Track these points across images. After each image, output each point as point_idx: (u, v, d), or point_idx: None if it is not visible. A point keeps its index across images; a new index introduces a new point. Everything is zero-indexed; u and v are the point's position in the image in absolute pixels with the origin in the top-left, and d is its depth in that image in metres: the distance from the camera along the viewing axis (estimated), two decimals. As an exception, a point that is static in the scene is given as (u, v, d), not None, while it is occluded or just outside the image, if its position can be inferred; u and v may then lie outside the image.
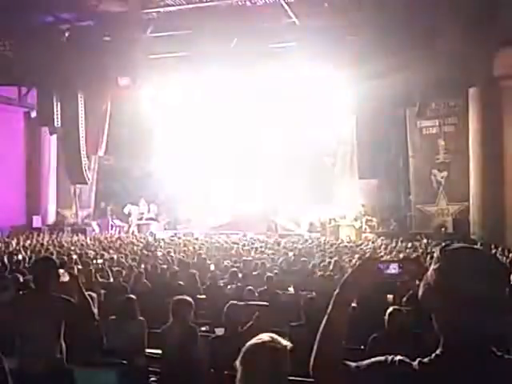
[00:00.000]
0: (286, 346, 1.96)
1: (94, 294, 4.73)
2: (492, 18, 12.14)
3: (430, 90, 14.06)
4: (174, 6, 13.98)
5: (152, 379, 4.41)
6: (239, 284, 6.38)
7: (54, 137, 18.76)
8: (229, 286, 6.38)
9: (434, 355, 1.33)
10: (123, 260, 9.23)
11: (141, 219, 18.72)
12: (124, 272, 7.55)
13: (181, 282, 6.31)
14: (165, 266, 8.05)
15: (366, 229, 16.68)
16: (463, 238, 12.74)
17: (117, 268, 7.94)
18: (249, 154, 21.63)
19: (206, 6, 13.75)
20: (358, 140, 16.06)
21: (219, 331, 4.56)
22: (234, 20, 13.96)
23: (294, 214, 19.55)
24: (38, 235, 15.11)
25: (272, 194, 20.76)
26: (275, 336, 1.99)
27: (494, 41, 12.61)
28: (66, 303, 3.46)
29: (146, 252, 10.96)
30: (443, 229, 15.11)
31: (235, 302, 4.57)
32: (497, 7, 11.95)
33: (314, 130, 20.21)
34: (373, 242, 13.77)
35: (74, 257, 9.53)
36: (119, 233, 17.76)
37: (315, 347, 1.45)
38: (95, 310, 4.57)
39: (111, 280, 7.29)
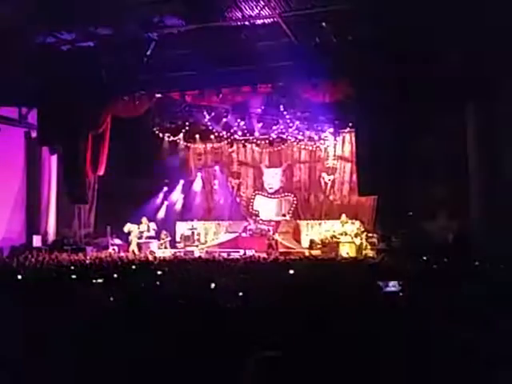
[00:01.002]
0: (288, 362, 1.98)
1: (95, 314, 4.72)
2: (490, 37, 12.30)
3: (428, 106, 14.16)
4: (173, 27, 14.18)
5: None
6: (239, 302, 6.36)
7: (55, 157, 18.88)
8: (229, 305, 6.34)
9: None
10: (123, 279, 9.18)
11: (141, 238, 18.69)
12: (124, 291, 7.51)
13: (181, 301, 6.26)
14: (165, 285, 8.01)
15: (366, 246, 16.66)
16: (464, 254, 12.71)
17: (117, 287, 7.90)
18: (249, 171, 21.77)
19: (205, 26, 13.94)
20: (358, 156, 16.15)
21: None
22: (232, 40, 14.15)
23: (293, 231, 19.59)
24: (38, 255, 15.03)
25: (271, 211, 20.84)
26: (276, 352, 2.01)
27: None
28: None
29: (146, 271, 10.92)
30: (444, 244, 15.07)
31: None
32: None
33: (313, 146, 20.40)
34: (373, 258, 13.74)
35: (74, 276, 9.48)
36: (119, 252, 17.72)
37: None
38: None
39: (111, 299, 7.24)
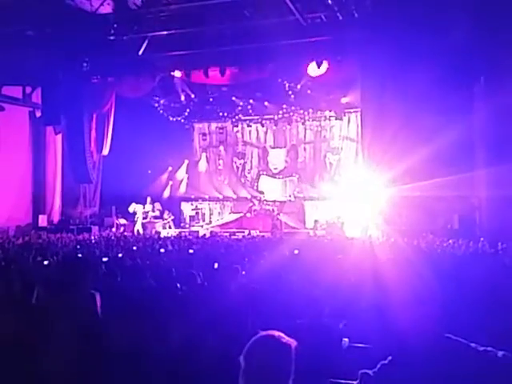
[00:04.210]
0: (290, 344, 1.96)
1: (97, 293, 4.73)
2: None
3: (435, 85, 13.97)
4: (177, 4, 13.96)
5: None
6: (242, 282, 6.38)
7: (59, 136, 18.84)
8: (231, 285, 6.37)
9: None
10: (128, 258, 9.24)
11: (146, 218, 18.75)
12: (129, 270, 7.55)
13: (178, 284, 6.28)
14: (169, 265, 8.05)
15: (371, 226, 16.63)
16: (469, 234, 12.69)
17: (121, 266, 7.95)
18: (254, 151, 21.69)
19: (209, 3, 13.73)
20: (363, 136, 16.02)
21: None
22: (236, 17, 13.95)
23: (297, 211, 19.60)
24: (40, 235, 15.12)
25: (275, 191, 20.82)
26: (280, 333, 1.99)
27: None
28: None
29: (150, 250, 10.98)
30: (449, 225, 15.05)
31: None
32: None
33: (319, 126, 20.31)
34: (378, 239, 13.73)
35: (79, 255, 9.56)
36: (124, 231, 17.81)
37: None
38: (98, 309, 4.60)
39: (117, 279, 7.28)
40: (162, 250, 9.70)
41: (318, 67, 14.78)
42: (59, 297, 4.14)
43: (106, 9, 14.22)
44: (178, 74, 16.90)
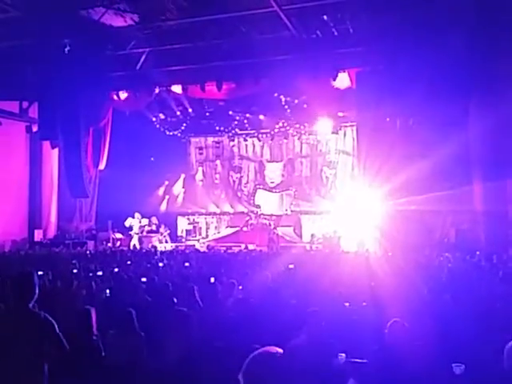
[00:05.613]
0: (287, 359, 1.95)
1: (93, 308, 4.71)
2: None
3: (431, 99, 14.07)
4: (174, 20, 14.06)
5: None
6: (238, 296, 6.35)
7: (56, 151, 18.83)
8: (228, 299, 6.34)
9: None
10: (123, 273, 9.20)
11: (142, 232, 18.69)
12: (124, 285, 7.52)
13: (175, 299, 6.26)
14: (165, 279, 8.01)
15: (368, 240, 16.61)
16: (465, 248, 12.69)
17: (117, 281, 7.93)
18: (250, 165, 21.73)
19: (205, 19, 13.83)
20: (359, 150, 16.09)
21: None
22: (232, 33, 14.05)
23: (294, 225, 19.59)
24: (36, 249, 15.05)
25: (272, 205, 20.82)
26: (278, 349, 1.99)
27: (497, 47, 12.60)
28: (45, 319, 3.42)
29: (146, 265, 10.93)
30: (446, 239, 15.05)
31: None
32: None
33: (314, 140, 20.39)
34: (375, 253, 13.72)
35: (75, 271, 9.51)
36: (120, 246, 17.74)
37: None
38: (94, 324, 4.58)
39: (111, 293, 7.25)
40: (161, 264, 9.65)
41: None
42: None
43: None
44: (175, 88, 16.96)
